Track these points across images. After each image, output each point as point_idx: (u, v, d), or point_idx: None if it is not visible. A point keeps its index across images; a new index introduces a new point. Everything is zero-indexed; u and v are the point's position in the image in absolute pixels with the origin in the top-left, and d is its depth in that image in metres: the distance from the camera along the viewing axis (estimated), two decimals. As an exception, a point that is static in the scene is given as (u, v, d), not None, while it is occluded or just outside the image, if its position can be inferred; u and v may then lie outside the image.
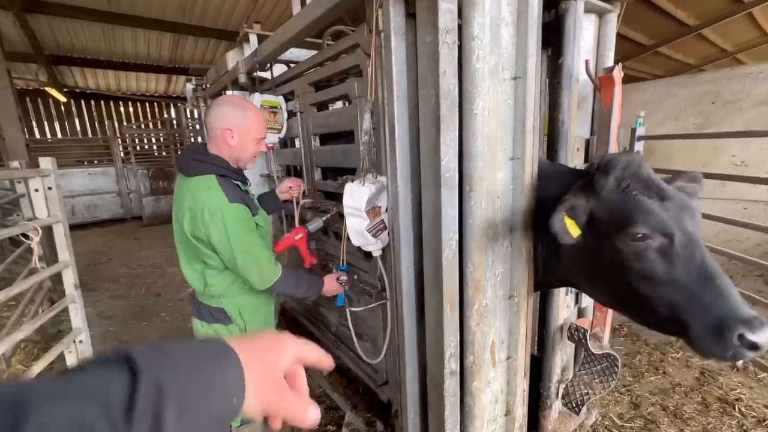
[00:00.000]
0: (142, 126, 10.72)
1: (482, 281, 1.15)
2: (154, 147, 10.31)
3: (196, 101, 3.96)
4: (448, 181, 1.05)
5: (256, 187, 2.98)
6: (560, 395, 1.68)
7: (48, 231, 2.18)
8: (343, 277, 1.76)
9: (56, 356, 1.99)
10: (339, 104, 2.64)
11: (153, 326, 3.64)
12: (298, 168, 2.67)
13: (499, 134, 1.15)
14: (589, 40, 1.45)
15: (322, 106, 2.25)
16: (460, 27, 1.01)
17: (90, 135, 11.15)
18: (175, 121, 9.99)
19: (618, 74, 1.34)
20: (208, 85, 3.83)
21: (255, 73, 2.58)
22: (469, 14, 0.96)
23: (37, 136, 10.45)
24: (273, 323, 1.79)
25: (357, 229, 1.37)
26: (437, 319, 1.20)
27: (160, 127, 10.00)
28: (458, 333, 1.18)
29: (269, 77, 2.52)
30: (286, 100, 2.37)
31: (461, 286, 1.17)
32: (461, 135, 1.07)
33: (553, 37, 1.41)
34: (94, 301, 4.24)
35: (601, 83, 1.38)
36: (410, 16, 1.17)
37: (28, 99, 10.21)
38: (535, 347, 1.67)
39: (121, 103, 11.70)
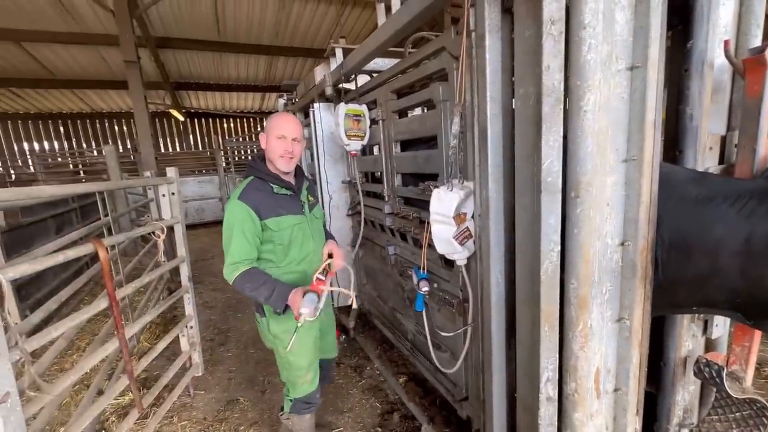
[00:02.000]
0: (240, 140, 12.14)
1: (588, 299, 1.01)
2: (249, 157, 11.61)
3: (286, 114, 4.35)
4: (550, 186, 0.95)
5: (336, 194, 3.14)
6: (682, 442, 1.40)
7: (169, 230, 2.55)
8: (425, 288, 1.72)
9: (173, 338, 2.32)
10: (417, 111, 2.65)
11: (245, 318, 4.03)
12: (378, 174, 2.73)
13: (610, 133, 1.01)
14: (727, 17, 1.21)
15: (403, 113, 2.27)
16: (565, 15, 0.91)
17: (200, 148, 12.99)
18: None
19: (772, 54, 1.08)
20: (296, 99, 4.17)
21: (340, 85, 2.72)
22: (579, 0, 0.87)
23: (162, 150, 12.53)
24: (310, 330, 1.71)
25: (443, 236, 1.33)
26: (532, 338, 1.09)
27: (254, 140, 11.22)
28: (557, 355, 1.06)
29: (353, 88, 2.64)
30: (369, 108, 2.44)
31: (561, 302, 1.05)
32: (565, 135, 0.96)
33: (675, 18, 1.21)
34: (200, 292, 4.86)
35: (747, 67, 1.13)
36: (505, 11, 1.11)
37: (156, 120, 12.34)
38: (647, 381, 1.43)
39: (224, 120, 13.43)
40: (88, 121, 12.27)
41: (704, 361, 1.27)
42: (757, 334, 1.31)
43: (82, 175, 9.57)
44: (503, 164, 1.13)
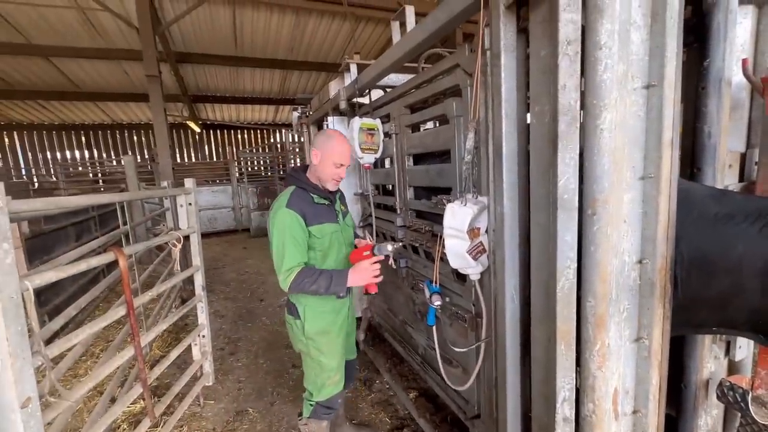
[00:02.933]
0: (254, 151, 12.40)
1: (606, 317, 1.00)
2: (262, 168, 11.80)
3: (300, 127, 4.43)
4: (566, 203, 0.95)
5: (349, 205, 3.15)
6: (705, 469, 1.35)
7: (185, 239, 2.60)
8: (437, 302, 1.71)
9: (185, 347, 2.34)
10: (429, 125, 2.68)
11: (255, 328, 4.04)
12: (390, 188, 2.76)
13: (627, 151, 1.01)
14: (744, 36, 1.21)
15: (415, 127, 2.30)
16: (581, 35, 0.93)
17: (215, 159, 13.28)
18: (279, 146, 11.31)
19: (791, 73, 1.08)
20: (310, 112, 4.26)
21: (354, 99, 2.78)
22: (595, 21, 0.88)
23: (178, 160, 12.85)
24: (340, 331, 1.80)
25: (457, 250, 1.33)
26: (547, 357, 1.07)
27: (267, 151, 11.44)
28: (574, 375, 1.04)
29: (367, 102, 2.70)
30: (382, 122, 2.48)
31: (578, 321, 1.03)
32: (581, 153, 0.97)
33: (691, 36, 1.21)
34: (211, 301, 4.91)
35: (766, 85, 1.12)
36: (521, 31, 1.13)
37: (173, 131, 12.70)
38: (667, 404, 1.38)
39: (238, 131, 13.74)
40: (108, 131, 12.71)
41: (728, 384, 1.23)
42: (784, 358, 1.26)
43: (101, 183, 9.87)
44: (518, 181, 1.13)
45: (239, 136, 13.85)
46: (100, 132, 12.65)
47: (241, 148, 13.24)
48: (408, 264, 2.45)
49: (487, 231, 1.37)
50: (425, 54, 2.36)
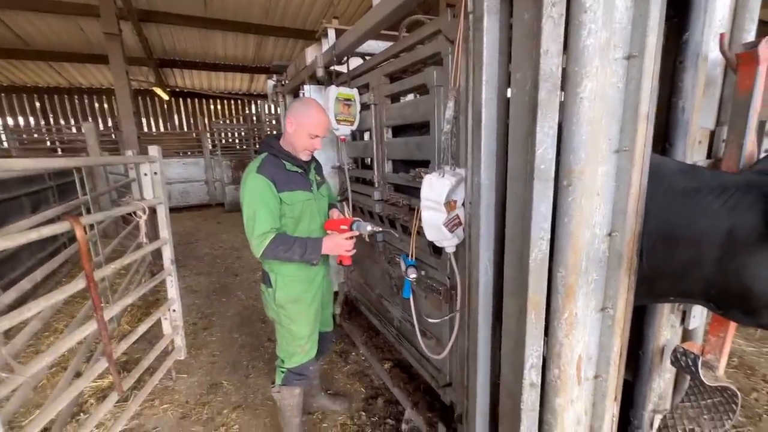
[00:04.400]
0: (228, 122, 11.84)
1: (575, 288, 1.02)
2: (236, 140, 11.31)
3: (275, 97, 4.22)
4: (543, 173, 0.95)
5: (328, 178, 3.08)
6: (655, 427, 1.46)
7: (152, 212, 2.47)
8: (413, 275, 1.72)
9: (155, 321, 2.27)
10: (410, 97, 2.61)
11: (230, 303, 3.99)
12: (368, 161, 2.70)
13: (604, 122, 1.00)
14: (723, 11, 1.21)
15: (395, 98, 2.23)
16: (566, -1, 0.89)
17: (185, 129, 12.61)
18: (255, 117, 10.85)
19: (765, 50, 1.09)
20: (286, 81, 4.06)
21: (332, 67, 2.65)
22: (581, -18, 0.84)
23: (145, 129, 12.12)
24: (313, 301, 1.81)
25: (433, 223, 1.32)
26: (518, 326, 1.10)
27: (243, 122, 10.93)
28: (542, 343, 1.07)
29: (345, 71, 2.58)
30: (361, 93, 2.39)
31: (548, 291, 1.05)
32: (560, 122, 0.95)
33: (671, 9, 1.20)
34: (183, 275, 4.78)
35: (740, 62, 1.14)
36: (505, -7, 1.07)
37: (139, 98, 11.88)
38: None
39: (211, 100, 13.03)
40: (66, 96, 11.73)
41: (681, 350, 1.31)
42: (732, 326, 1.35)
43: (59, 152, 9.19)
44: (496, 151, 1.12)
45: (212, 106, 13.13)
46: (56, 96, 11.66)
47: (214, 119, 12.59)
48: (384, 238, 2.44)
49: (463, 204, 1.36)
50: (406, 21, 2.25)
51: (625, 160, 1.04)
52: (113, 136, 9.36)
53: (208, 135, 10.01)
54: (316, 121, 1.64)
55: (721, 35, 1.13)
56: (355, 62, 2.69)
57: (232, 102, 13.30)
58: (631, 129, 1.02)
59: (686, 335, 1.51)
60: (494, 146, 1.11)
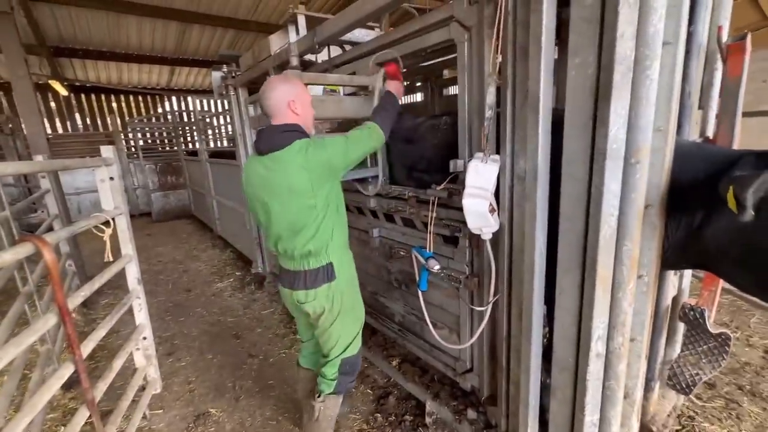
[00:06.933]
0: (145, 120, 10.44)
1: (638, 259, 1.10)
2: (157, 141, 10.04)
3: (225, 90, 3.83)
4: (615, 153, 0.99)
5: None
6: (664, 377, 1.65)
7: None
8: (436, 266, 1.69)
9: (128, 355, 1.91)
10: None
11: (191, 322, 3.56)
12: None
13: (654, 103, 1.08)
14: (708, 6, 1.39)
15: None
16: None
17: (91, 130, 10.86)
18: (184, 114, 9.77)
19: (750, 42, 1.27)
20: (238, 73, 3.71)
21: (306, 56, 2.48)
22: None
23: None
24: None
25: (477, 210, 1.30)
26: (575, 302, 1.15)
27: (163, 120, 9.73)
28: (608, 315, 1.13)
29: (317, 61, 2.43)
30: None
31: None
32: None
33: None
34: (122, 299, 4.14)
35: (730, 51, 1.31)
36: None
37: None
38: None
39: (122, 96, 11.40)
40: None
41: (689, 306, 1.49)
42: (720, 281, 1.58)
43: None
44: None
45: (124, 103, 11.48)
46: None
47: (128, 117, 11.02)
48: (382, 233, 2.38)
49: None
50: (395, 15, 2.20)
51: (660, 139, 1.14)
52: (-5, 140, 7.66)
53: (122, 136, 8.76)
54: (304, 86, 1.60)
55: (719, 28, 1.29)
56: (330, 52, 2.56)
57: (149, 98, 11.78)
58: (665, 110, 1.11)
59: (679, 294, 1.73)
60: (549, 132, 1.13)
